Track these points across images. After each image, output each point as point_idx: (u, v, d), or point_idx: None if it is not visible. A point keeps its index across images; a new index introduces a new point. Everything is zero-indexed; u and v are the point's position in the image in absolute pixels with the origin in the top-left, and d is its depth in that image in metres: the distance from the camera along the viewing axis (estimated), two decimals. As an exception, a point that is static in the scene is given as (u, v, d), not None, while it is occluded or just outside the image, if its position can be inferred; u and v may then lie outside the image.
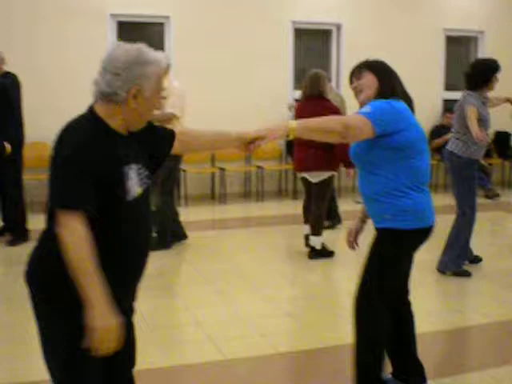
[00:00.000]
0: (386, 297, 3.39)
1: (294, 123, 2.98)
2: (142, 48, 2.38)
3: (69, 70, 9.43)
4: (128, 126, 2.47)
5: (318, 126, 3.12)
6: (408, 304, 3.66)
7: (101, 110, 2.40)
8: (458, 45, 12.21)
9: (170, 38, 10.13)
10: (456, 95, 11.89)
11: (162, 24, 10.23)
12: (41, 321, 2.44)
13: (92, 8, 9.59)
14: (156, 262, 6.42)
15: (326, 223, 7.49)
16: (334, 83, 11.22)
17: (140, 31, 10.38)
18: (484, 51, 12.05)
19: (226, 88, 10.29)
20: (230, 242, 7.77)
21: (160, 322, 4.99)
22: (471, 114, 5.87)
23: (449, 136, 10.95)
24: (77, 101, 8.98)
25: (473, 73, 6.13)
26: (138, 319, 2.74)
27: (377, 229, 3.42)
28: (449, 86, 12.03)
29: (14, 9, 9.25)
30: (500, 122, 11.41)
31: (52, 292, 2.38)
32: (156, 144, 2.66)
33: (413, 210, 3.27)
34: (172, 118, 6.69)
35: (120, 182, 2.37)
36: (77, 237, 2.24)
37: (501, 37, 11.96)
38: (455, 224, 6.23)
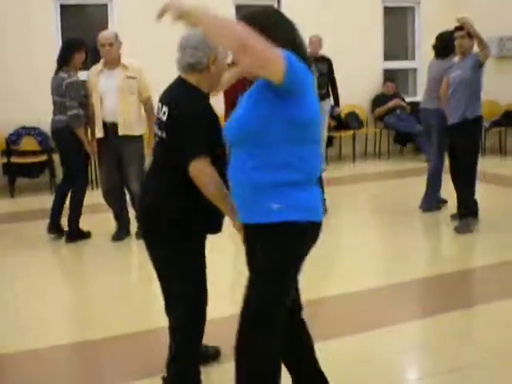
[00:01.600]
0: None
1: (189, 7, 2.47)
2: None
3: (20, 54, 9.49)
4: (211, 90, 3.23)
5: (216, 24, 2.45)
6: (300, 310, 3.02)
7: (191, 80, 3.14)
8: (395, 15, 12.55)
9: (114, 20, 10.22)
10: (394, 65, 12.41)
11: (105, 5, 10.29)
12: (168, 247, 3.13)
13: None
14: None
15: None
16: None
17: (82, 14, 10.45)
18: (420, 21, 12.45)
19: (170, 69, 10.40)
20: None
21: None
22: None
23: (390, 104, 11.47)
24: (30, 82, 9.22)
25: (442, 44, 7.37)
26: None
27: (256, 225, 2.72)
28: (387, 56, 12.37)
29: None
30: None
31: (181, 221, 3.09)
32: None
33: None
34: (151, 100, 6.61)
35: (220, 135, 2.97)
36: (212, 178, 2.99)
37: (436, 7, 12.33)
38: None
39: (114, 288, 5.39)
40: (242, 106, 2.68)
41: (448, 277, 5.40)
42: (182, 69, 3.16)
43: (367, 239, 6.72)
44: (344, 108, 11.48)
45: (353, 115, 11.62)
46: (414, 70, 12.70)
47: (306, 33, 3.20)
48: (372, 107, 11.85)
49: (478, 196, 6.84)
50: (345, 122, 11.48)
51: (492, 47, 11.49)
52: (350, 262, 5.99)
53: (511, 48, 11.52)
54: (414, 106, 11.81)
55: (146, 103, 6.60)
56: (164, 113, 3.10)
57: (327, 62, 10.36)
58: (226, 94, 6.41)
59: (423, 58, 12.25)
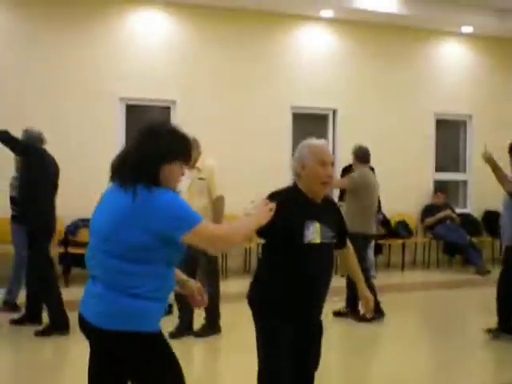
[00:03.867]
0: None
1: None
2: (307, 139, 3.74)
3: (85, 150, 9.98)
4: (308, 191, 3.65)
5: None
6: None
7: (299, 184, 3.68)
8: (448, 128, 12.81)
9: (176, 120, 10.66)
10: (445, 176, 12.57)
11: (168, 108, 10.76)
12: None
13: (104, 91, 10.15)
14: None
15: None
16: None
17: (146, 113, 10.93)
18: (472, 135, 12.69)
19: (229, 171, 10.74)
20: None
21: None
22: None
23: (440, 215, 11.55)
24: (85, 176, 9.60)
25: None
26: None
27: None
28: (438, 168, 12.57)
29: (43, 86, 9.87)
30: (490, 202, 11.92)
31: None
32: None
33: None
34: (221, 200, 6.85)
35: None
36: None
37: (488, 121, 12.58)
38: None
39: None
40: None
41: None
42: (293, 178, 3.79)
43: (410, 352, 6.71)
44: (394, 216, 11.62)
45: (403, 224, 11.72)
46: (465, 182, 12.83)
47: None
48: (422, 217, 11.95)
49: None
50: (395, 231, 11.58)
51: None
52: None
53: None
54: (464, 217, 11.91)
55: (215, 203, 6.79)
56: None
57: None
58: None
59: (474, 170, 12.45)
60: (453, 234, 11.56)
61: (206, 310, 6.68)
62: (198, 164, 6.77)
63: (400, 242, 11.57)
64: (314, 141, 3.70)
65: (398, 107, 11.99)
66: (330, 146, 11.75)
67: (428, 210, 11.91)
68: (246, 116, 11.01)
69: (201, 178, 6.75)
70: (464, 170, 12.85)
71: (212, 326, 6.90)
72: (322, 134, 11.74)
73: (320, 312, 3.70)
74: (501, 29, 12.14)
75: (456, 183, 13.03)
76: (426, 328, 7.93)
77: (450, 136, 12.95)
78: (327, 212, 3.67)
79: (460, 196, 13.02)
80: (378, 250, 11.25)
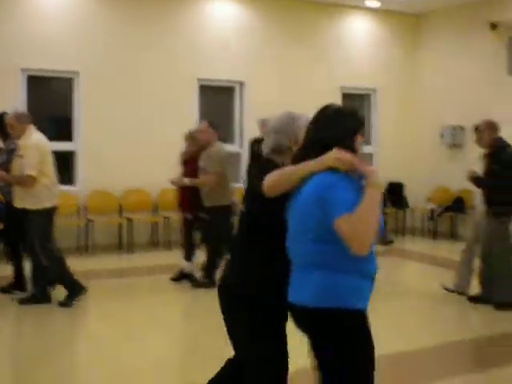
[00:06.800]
0: None
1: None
2: (291, 112, 3.43)
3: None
4: None
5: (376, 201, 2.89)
6: None
7: (277, 160, 3.28)
8: (352, 101, 12.99)
9: (79, 92, 10.40)
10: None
11: (70, 79, 10.48)
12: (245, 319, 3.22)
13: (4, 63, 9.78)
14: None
15: None
16: (237, 137, 11.73)
17: (48, 85, 10.62)
18: (377, 108, 12.92)
19: (132, 142, 10.61)
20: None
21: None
22: None
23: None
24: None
25: None
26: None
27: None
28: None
29: None
30: (394, 173, 12.21)
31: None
32: None
33: None
34: (28, 179, 6.73)
35: None
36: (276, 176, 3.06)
37: (392, 94, 12.84)
38: None
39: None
40: None
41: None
42: (266, 154, 3.38)
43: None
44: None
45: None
46: (370, 155, 13.01)
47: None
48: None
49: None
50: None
51: (446, 136, 12.06)
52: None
53: (461, 137, 11.96)
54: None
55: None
56: (244, 189, 3.42)
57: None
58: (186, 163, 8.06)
59: (378, 143, 12.71)
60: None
61: None
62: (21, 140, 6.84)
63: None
64: (300, 113, 3.47)
65: (303, 81, 12.05)
66: (236, 118, 11.74)
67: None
68: (151, 88, 10.84)
69: (20, 156, 6.78)
70: (369, 143, 13.08)
71: None
72: (229, 107, 11.71)
73: None
74: (404, 4, 12.37)
75: (361, 155, 13.17)
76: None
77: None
78: None
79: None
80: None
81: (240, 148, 11.73)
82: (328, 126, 3.08)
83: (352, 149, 3.02)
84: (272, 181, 3.02)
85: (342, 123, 3.09)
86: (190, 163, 8.05)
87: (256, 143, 9.96)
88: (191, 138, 8.21)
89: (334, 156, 2.89)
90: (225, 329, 3.33)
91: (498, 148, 7.04)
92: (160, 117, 10.82)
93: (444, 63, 12.70)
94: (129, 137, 10.58)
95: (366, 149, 13.02)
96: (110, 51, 10.54)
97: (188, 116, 10.92)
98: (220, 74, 11.43)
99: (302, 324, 3.00)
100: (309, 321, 2.94)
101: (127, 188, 10.61)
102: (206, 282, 7.78)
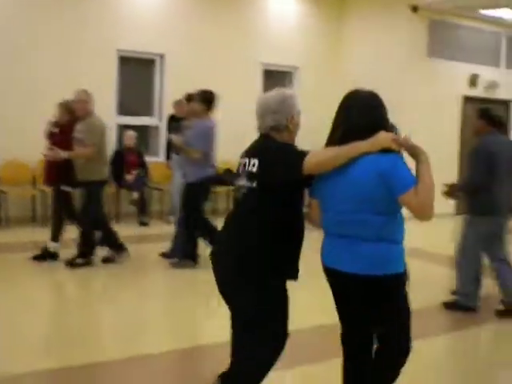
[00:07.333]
0: None
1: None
2: (282, 91, 3.59)
3: None
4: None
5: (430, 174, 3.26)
6: None
7: (275, 137, 3.49)
8: (274, 78, 12.96)
9: None
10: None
11: None
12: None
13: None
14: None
15: None
16: (156, 111, 11.57)
17: None
18: (299, 85, 12.94)
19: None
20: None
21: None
22: None
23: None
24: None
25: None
26: None
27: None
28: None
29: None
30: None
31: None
32: None
33: None
34: None
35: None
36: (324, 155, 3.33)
37: (313, 72, 12.88)
38: None
39: None
40: None
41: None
42: (264, 130, 3.54)
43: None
44: (222, 164, 11.69)
45: (229, 171, 11.75)
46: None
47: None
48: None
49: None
50: (222, 178, 11.60)
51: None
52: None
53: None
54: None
55: None
56: (253, 165, 3.42)
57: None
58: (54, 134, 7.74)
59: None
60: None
61: None
62: None
63: (226, 189, 11.61)
64: (291, 92, 3.68)
65: (224, 56, 11.96)
66: (156, 91, 11.57)
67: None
68: (71, 59, 10.55)
69: None
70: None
71: None
72: (149, 80, 11.53)
73: None
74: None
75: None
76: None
77: (276, 87, 13.01)
78: None
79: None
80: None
81: (159, 121, 11.59)
82: (371, 111, 3.36)
83: (389, 130, 3.33)
84: (319, 158, 3.27)
85: (381, 107, 3.42)
86: (61, 134, 7.64)
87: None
88: (66, 107, 7.73)
89: (391, 138, 3.20)
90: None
91: None
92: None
93: (367, 43, 12.84)
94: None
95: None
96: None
97: (106, 88, 10.70)
98: (140, 45, 11.20)
99: (348, 289, 3.36)
100: (359, 287, 3.27)
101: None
102: (82, 262, 7.54)
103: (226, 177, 11.04)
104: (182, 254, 7.67)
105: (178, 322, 5.94)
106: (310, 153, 3.29)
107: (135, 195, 10.49)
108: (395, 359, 3.45)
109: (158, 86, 11.58)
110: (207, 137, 7.49)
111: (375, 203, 3.20)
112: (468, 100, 13.36)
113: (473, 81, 13.51)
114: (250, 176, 3.43)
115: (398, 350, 3.44)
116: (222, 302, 3.48)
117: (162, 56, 11.48)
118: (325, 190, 3.36)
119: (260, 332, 3.38)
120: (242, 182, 3.48)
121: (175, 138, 7.72)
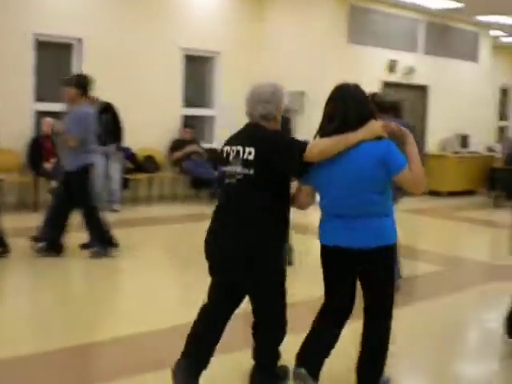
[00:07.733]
0: None
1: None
2: (273, 82, 3.87)
3: None
4: None
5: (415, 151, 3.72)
6: None
7: (265, 125, 3.77)
8: (196, 64, 12.85)
9: None
10: (193, 111, 12.67)
11: None
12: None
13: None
14: None
15: None
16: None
17: None
18: (220, 71, 12.85)
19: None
20: None
21: None
22: None
23: (187, 150, 11.65)
24: None
25: None
26: None
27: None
28: (187, 103, 12.61)
29: None
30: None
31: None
32: None
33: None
34: None
35: None
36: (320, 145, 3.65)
37: (235, 58, 12.82)
38: None
39: None
40: None
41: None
42: (254, 118, 3.80)
43: (158, 280, 6.72)
44: (141, 151, 11.55)
45: (150, 159, 11.69)
46: (212, 118, 13.01)
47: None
48: (169, 151, 11.95)
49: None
50: (142, 165, 11.53)
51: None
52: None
53: (301, 102, 12.13)
54: (211, 152, 12.09)
55: None
56: (250, 153, 3.66)
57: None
58: None
59: (221, 106, 12.68)
60: (200, 169, 11.74)
61: None
62: None
63: (147, 176, 11.55)
64: (278, 83, 3.89)
65: (144, 41, 11.71)
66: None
67: (175, 145, 11.91)
68: None
69: None
70: (211, 106, 13.02)
71: None
72: (66, 65, 11.21)
73: None
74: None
75: (203, 118, 13.16)
76: (170, 258, 8.00)
77: (197, 72, 13.01)
78: None
79: (206, 131, 13.20)
80: (125, 184, 11.14)
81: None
82: (365, 103, 3.74)
83: (375, 119, 3.70)
84: (321, 147, 3.58)
85: (368, 99, 3.81)
86: None
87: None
88: None
89: (382, 126, 3.58)
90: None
91: None
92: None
93: (288, 29, 12.86)
94: None
95: (208, 112, 13.00)
96: None
97: (23, 73, 10.38)
98: (57, 29, 10.87)
99: (357, 262, 3.71)
100: (369, 258, 3.66)
101: None
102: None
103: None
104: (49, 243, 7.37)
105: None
106: (311, 143, 3.61)
107: (54, 184, 10.22)
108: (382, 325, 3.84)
109: (76, 72, 11.26)
110: (83, 123, 7.20)
111: (375, 184, 3.59)
112: (387, 85, 13.57)
113: (391, 66, 13.74)
114: (246, 163, 3.65)
115: (384, 314, 3.83)
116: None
117: (79, 40, 11.18)
118: (323, 176, 3.66)
119: (281, 290, 3.89)
120: (237, 168, 3.69)
121: (57, 124, 7.51)
